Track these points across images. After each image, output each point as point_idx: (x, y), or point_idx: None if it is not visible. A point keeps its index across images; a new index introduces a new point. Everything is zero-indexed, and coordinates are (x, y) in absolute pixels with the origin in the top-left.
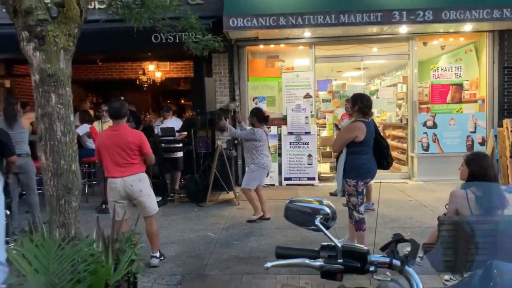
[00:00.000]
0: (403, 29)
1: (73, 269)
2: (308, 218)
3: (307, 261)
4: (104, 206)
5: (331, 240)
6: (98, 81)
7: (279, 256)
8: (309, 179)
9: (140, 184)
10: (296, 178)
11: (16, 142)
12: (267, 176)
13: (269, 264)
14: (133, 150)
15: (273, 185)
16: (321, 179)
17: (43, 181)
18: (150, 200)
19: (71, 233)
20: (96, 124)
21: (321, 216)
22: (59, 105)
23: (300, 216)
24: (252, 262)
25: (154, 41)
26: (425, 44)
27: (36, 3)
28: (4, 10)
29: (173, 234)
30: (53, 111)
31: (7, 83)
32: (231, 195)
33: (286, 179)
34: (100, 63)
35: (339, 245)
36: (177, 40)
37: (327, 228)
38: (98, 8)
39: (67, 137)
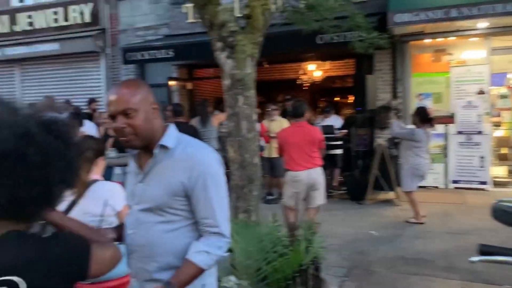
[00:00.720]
0: None
1: (267, 250)
2: None
3: None
4: (268, 197)
5: None
6: (262, 82)
7: (482, 253)
8: (480, 183)
9: (321, 176)
10: (465, 181)
11: (208, 138)
12: (422, 179)
13: (474, 259)
14: (316, 144)
15: (436, 187)
16: (496, 184)
17: (230, 171)
18: (323, 192)
19: (252, 218)
20: (265, 122)
21: None
22: (245, 106)
23: (509, 216)
24: (419, 263)
25: (318, 42)
26: None
27: (229, 17)
28: (187, 21)
29: (335, 228)
30: (240, 111)
31: (189, 86)
32: (391, 195)
33: (453, 182)
34: (266, 65)
35: None
36: (341, 40)
37: None
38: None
39: (251, 134)
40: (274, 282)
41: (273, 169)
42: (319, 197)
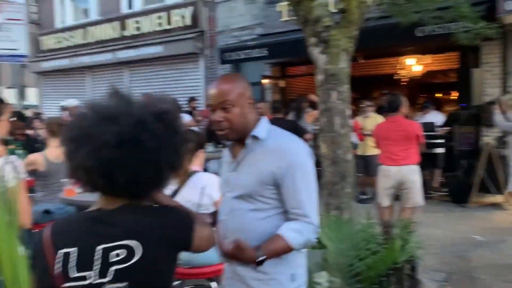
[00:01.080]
0: None
1: (360, 247)
2: None
3: None
4: (362, 196)
5: None
6: (357, 77)
7: None
8: None
9: (415, 174)
10: None
11: None
12: None
13: None
14: (412, 139)
15: None
16: None
17: (322, 167)
18: (419, 192)
19: (345, 216)
20: (359, 119)
21: None
22: (338, 101)
23: None
24: None
25: (418, 34)
26: None
27: (323, 12)
28: (281, 20)
29: (434, 231)
30: (333, 107)
31: (282, 83)
32: (499, 198)
33: None
34: (361, 60)
35: None
36: (444, 32)
37: None
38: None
39: (344, 130)
40: (366, 279)
41: (367, 168)
42: (415, 196)
